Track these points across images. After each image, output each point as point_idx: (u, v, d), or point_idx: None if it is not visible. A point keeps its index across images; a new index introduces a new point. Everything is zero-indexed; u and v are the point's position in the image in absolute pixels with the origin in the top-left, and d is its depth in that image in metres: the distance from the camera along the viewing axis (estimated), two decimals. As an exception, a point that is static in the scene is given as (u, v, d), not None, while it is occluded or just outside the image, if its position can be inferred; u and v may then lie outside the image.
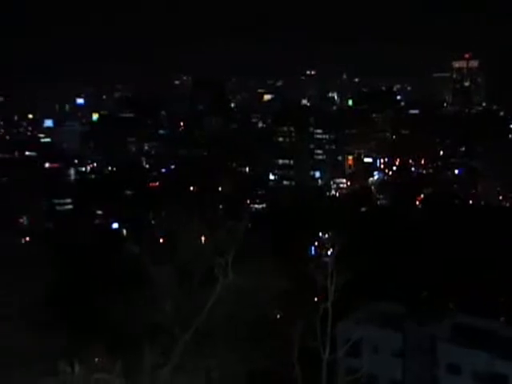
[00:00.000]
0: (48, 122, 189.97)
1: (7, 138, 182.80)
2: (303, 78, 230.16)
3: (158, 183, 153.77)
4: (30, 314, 30.62)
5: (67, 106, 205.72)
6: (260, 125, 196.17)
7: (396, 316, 40.99)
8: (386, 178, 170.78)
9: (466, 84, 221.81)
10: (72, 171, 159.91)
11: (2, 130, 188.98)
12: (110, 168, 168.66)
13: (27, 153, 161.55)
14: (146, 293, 26.07)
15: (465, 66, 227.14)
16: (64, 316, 32.95)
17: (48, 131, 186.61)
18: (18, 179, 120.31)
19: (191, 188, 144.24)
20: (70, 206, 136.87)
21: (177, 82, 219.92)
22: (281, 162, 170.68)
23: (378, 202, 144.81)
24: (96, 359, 24.98)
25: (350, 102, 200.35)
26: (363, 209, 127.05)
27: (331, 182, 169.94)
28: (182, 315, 23.77)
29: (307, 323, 25.20)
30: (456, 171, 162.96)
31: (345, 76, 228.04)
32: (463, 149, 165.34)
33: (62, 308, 35.11)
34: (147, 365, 22.78)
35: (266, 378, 24.03)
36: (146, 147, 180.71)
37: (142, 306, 25.07)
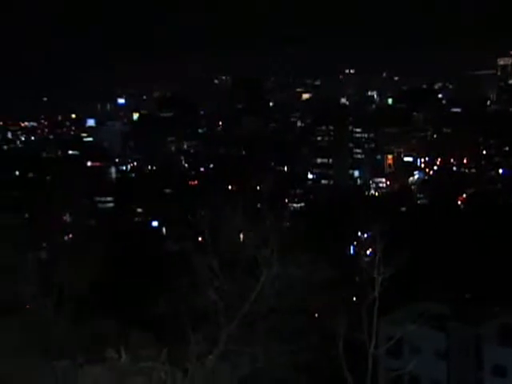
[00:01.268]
0: (90, 122, 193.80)
1: (51, 137, 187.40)
2: (342, 76, 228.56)
3: (196, 182, 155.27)
4: (78, 303, 31.39)
5: (109, 106, 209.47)
6: (299, 124, 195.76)
7: (439, 316, 40.30)
8: (426, 177, 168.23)
9: (511, 82, 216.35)
10: (113, 170, 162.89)
11: (47, 130, 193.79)
12: (149, 167, 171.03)
13: (70, 152, 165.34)
14: (189, 282, 26.34)
15: (510, 62, 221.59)
16: (111, 306, 33.70)
17: (90, 130, 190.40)
18: (62, 177, 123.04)
19: (230, 187, 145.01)
20: (112, 204, 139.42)
21: (216, 82, 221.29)
22: (319, 160, 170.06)
23: (419, 202, 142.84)
24: (142, 348, 25.38)
25: (390, 101, 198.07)
26: (403, 208, 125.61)
27: (370, 182, 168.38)
28: (226, 304, 23.92)
29: (353, 315, 25.01)
30: (500, 171, 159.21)
31: (384, 74, 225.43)
32: (507, 148, 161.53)
33: (109, 298, 35.87)
34: (192, 353, 23.00)
35: (311, 370, 23.95)
36: (185, 146, 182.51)
37: (187, 296, 25.33)
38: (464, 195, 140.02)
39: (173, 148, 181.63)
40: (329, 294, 25.99)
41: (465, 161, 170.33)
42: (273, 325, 23.43)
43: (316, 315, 26.43)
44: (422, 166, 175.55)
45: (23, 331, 26.49)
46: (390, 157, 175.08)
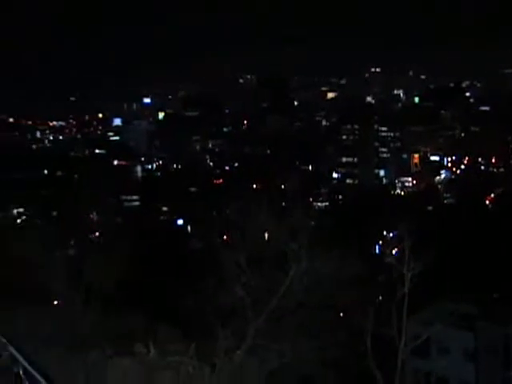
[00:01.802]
0: (117, 121, 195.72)
1: (79, 136, 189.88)
2: (368, 75, 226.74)
3: (221, 180, 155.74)
4: (106, 299, 31.83)
5: (135, 106, 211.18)
6: (323, 123, 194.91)
7: (467, 316, 39.78)
8: (453, 176, 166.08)
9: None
10: (139, 168, 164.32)
11: (74, 129, 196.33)
12: (175, 165, 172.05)
13: (97, 151, 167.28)
14: (217, 278, 26.47)
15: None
16: (138, 302, 34.04)
17: (117, 130, 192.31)
18: (89, 176, 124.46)
19: (254, 186, 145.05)
20: (137, 203, 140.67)
21: (241, 81, 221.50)
22: (344, 160, 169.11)
23: (445, 201, 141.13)
24: (170, 343, 25.60)
25: (417, 100, 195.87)
26: (429, 208, 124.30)
27: (396, 181, 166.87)
28: (254, 300, 23.98)
29: (381, 311, 24.89)
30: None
31: (411, 73, 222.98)
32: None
33: (137, 295, 36.24)
34: (220, 348, 23.11)
35: (338, 366, 23.86)
36: (210, 145, 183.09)
37: (214, 291, 25.46)
38: (492, 195, 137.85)
39: (198, 147, 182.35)
40: (357, 290, 25.90)
41: (493, 160, 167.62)
42: (301, 320, 23.42)
43: (344, 311, 26.36)
44: (449, 165, 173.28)
45: (53, 325, 26.92)
46: (416, 156, 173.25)
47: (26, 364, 7.50)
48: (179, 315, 28.03)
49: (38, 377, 7.16)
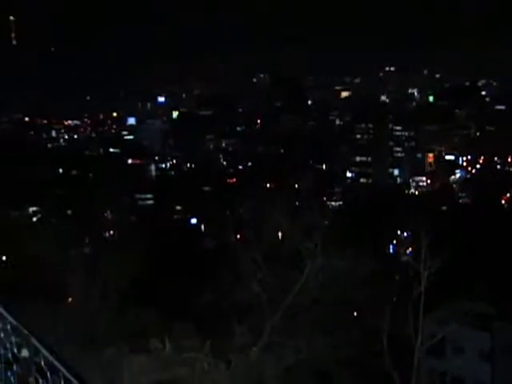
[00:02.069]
0: (131, 120, 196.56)
1: (93, 135, 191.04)
2: (382, 74, 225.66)
3: (235, 180, 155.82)
4: (122, 296, 31.99)
5: (149, 105, 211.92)
6: (337, 122, 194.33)
7: (483, 316, 39.41)
8: (468, 176, 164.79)
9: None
10: (153, 167, 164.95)
11: (89, 128, 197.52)
12: (188, 164, 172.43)
13: (111, 150, 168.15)
14: (232, 275, 26.48)
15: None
16: (154, 299, 34.18)
17: (131, 129, 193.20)
18: (103, 175, 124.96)
19: (268, 185, 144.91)
20: (151, 202, 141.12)
21: (254, 80, 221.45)
22: (358, 159, 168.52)
23: (460, 201, 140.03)
24: (186, 339, 25.63)
25: (431, 98, 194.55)
26: (444, 207, 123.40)
27: (410, 180, 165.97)
28: (270, 296, 23.94)
29: (397, 310, 24.72)
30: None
31: (426, 72, 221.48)
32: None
33: (152, 292, 36.38)
34: (236, 345, 23.08)
35: (354, 364, 23.74)
36: (224, 144, 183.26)
37: (230, 288, 25.47)
38: (508, 194, 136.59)
39: (211, 146, 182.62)
40: (372, 288, 25.78)
41: (509, 159, 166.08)
42: (316, 317, 23.34)
43: (360, 309, 26.25)
44: (464, 164, 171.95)
45: (69, 322, 27.06)
46: (430, 155, 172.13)
47: (48, 355, 7.49)
48: (194, 312, 28.08)
49: (61, 368, 7.15)
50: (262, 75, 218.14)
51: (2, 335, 9.28)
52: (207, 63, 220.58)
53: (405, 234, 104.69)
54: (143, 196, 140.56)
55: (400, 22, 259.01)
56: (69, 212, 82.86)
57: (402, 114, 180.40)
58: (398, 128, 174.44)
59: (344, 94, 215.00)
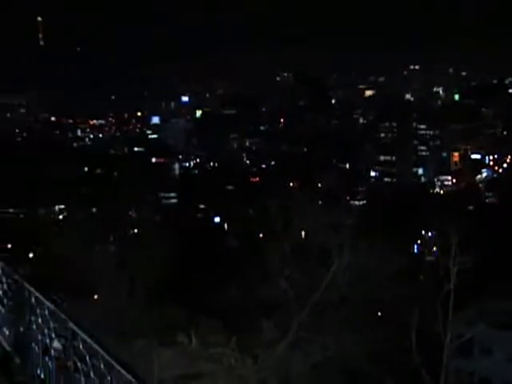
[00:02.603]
0: (155, 119, 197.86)
1: (118, 134, 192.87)
2: (406, 72, 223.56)
3: (258, 179, 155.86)
4: (149, 291, 32.26)
5: (173, 104, 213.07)
6: (361, 121, 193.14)
7: (511, 315, 38.77)
8: (495, 175, 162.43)
9: None
10: (177, 166, 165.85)
11: (114, 128, 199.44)
12: (212, 163, 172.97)
13: (136, 148, 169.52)
14: (259, 271, 26.49)
15: None
16: (181, 295, 34.40)
17: (155, 128, 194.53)
18: (128, 174, 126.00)
19: (291, 184, 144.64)
20: (175, 200, 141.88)
21: (278, 79, 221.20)
22: (382, 158, 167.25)
23: (487, 200, 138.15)
24: (212, 334, 25.71)
25: (457, 97, 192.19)
26: (470, 207, 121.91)
27: (435, 179, 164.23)
28: (297, 293, 23.89)
29: (426, 307, 24.46)
30: None
31: (451, 70, 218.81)
32: None
33: (179, 288, 36.61)
34: (263, 340, 23.05)
35: (382, 361, 23.55)
36: (247, 143, 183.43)
37: (257, 284, 25.48)
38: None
39: (235, 145, 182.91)
40: (400, 285, 25.55)
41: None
42: (344, 314, 23.22)
43: (388, 306, 26.04)
44: (491, 163, 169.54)
45: (99, 314, 27.35)
46: (456, 154, 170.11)
47: (86, 338, 7.57)
48: (221, 308, 28.16)
49: (101, 351, 7.22)
50: (285, 74, 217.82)
51: (40, 321, 9.43)
52: (231, 63, 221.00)
53: (429, 233, 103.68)
54: (167, 195, 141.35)
55: (425, 20, 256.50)
56: (94, 210, 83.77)
57: (427, 113, 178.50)
58: (423, 127, 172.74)
59: (368, 92, 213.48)
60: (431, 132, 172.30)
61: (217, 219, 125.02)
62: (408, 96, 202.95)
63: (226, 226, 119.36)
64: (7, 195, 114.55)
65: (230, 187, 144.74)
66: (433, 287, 27.64)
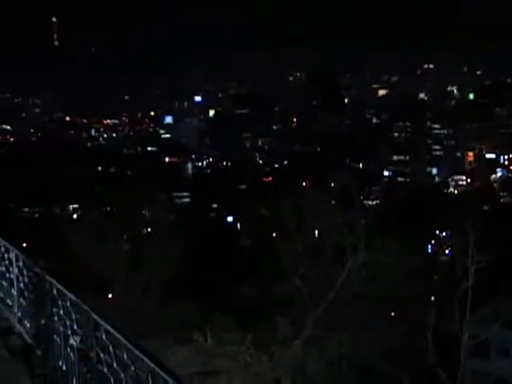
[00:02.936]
0: (168, 119, 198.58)
1: (131, 134, 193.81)
2: (420, 72, 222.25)
3: (271, 178, 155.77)
4: (164, 289, 32.37)
5: (186, 104, 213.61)
6: (374, 120, 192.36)
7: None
8: (510, 174, 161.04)
9: None
10: (189, 166, 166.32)
11: (127, 127, 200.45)
12: (224, 163, 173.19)
13: (149, 148, 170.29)
14: (274, 269, 26.47)
15: None
16: (195, 293, 34.49)
17: (168, 127, 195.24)
18: (141, 173, 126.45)
19: (304, 183, 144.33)
20: (188, 200, 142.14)
21: (290, 79, 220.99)
22: (396, 157, 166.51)
23: (502, 200, 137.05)
24: (227, 332, 25.73)
25: (471, 96, 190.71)
26: (485, 207, 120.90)
27: (449, 179, 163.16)
28: (312, 290, 23.84)
29: (443, 305, 24.28)
30: None
31: (465, 69, 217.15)
32: None
33: (195, 286, 36.70)
34: (279, 337, 23.03)
35: (398, 359, 23.43)
36: (260, 143, 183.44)
37: (271, 282, 25.47)
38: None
39: (247, 144, 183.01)
40: (416, 284, 25.42)
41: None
42: (359, 312, 23.15)
43: (404, 304, 25.90)
44: (506, 163, 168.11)
45: (114, 312, 27.45)
46: (470, 153, 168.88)
47: (109, 328, 7.61)
48: (236, 306, 28.17)
49: (123, 340, 7.25)
50: (298, 74, 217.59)
51: (62, 312, 9.49)
52: (243, 62, 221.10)
53: (443, 233, 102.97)
54: (180, 194, 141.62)
55: (440, 20, 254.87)
56: (107, 209, 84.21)
57: (441, 112, 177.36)
58: (437, 126, 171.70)
59: (381, 92, 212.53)
60: (445, 131, 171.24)
61: (229, 218, 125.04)
62: (422, 95, 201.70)
63: (238, 225, 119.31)
64: (22, 195, 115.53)
65: (242, 187, 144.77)
66: (449, 286, 27.43)
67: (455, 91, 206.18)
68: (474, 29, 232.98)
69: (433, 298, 27.17)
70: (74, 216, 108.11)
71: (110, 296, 37.42)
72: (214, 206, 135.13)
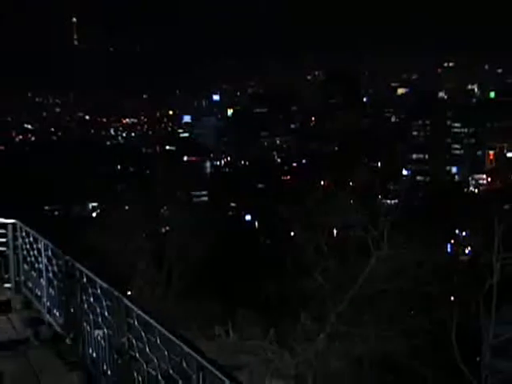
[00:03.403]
0: (186, 118, 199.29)
1: (150, 133, 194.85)
2: (440, 70, 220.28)
3: (289, 177, 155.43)
4: (187, 286, 32.44)
5: (204, 103, 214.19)
6: (393, 119, 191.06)
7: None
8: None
9: None
10: (208, 164, 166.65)
11: (146, 126, 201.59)
12: (243, 162, 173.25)
13: (167, 147, 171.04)
14: (295, 265, 26.35)
15: None
16: (219, 288, 34.54)
17: (186, 126, 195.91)
18: (159, 172, 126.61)
19: (322, 182, 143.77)
20: (206, 198, 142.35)
21: (309, 78, 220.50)
22: (415, 156, 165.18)
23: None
24: (249, 327, 25.67)
25: (492, 94, 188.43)
26: (506, 206, 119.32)
27: (470, 178, 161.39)
28: (335, 285, 23.70)
29: (467, 302, 23.98)
30: None
31: (486, 67, 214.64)
32: None
33: (217, 281, 36.74)
34: (301, 333, 22.92)
35: (423, 354, 23.19)
36: (278, 141, 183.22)
37: (293, 277, 25.37)
38: None
39: (266, 143, 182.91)
40: (439, 280, 25.13)
41: None
42: (382, 307, 22.96)
43: (428, 300, 25.63)
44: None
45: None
46: (491, 152, 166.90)
47: (141, 313, 7.59)
48: (258, 301, 28.12)
49: (157, 325, 7.22)
50: (316, 72, 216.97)
51: (92, 299, 9.50)
52: (262, 61, 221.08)
53: (463, 233, 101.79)
54: (198, 193, 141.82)
55: (460, 19, 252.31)
56: (126, 208, 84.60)
57: (462, 111, 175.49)
58: (457, 125, 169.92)
59: (400, 90, 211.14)
60: (466, 130, 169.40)
61: (248, 217, 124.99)
62: (442, 94, 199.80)
63: (256, 224, 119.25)
64: (42, 193, 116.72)
65: (260, 185, 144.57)
66: (473, 283, 27.08)
67: (476, 90, 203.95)
68: (495, 28, 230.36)
69: (456, 296, 26.85)
70: (94, 214, 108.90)
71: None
72: (233, 204, 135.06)
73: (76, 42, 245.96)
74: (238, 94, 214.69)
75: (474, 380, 22.95)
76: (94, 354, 9.44)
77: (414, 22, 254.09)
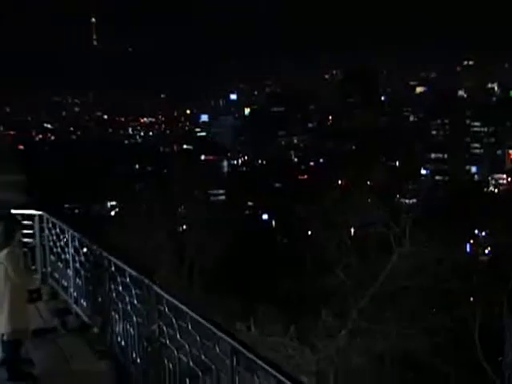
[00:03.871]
0: (204, 117, 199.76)
1: (167, 132, 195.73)
2: (459, 68, 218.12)
3: (306, 176, 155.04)
4: (208, 282, 32.52)
5: (221, 102, 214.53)
6: (411, 118, 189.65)
7: None
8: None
9: None
10: (225, 163, 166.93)
11: (163, 126, 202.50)
12: (260, 161, 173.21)
13: (185, 146, 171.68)
14: (316, 261, 26.31)
15: None
16: (239, 284, 34.67)
17: (203, 125, 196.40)
18: (177, 171, 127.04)
19: (340, 181, 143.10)
20: (223, 197, 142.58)
21: (326, 76, 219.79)
22: (433, 155, 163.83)
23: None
24: (270, 323, 25.67)
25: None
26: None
27: (489, 178, 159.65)
28: (357, 282, 23.60)
29: (490, 300, 23.72)
30: None
31: (506, 65, 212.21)
32: None
33: (237, 278, 36.87)
34: (322, 329, 22.85)
35: (445, 351, 22.99)
36: (295, 141, 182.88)
37: (315, 273, 25.32)
38: None
39: (283, 142, 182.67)
40: (461, 278, 24.92)
41: None
42: (404, 304, 22.82)
43: (449, 298, 25.41)
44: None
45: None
46: (511, 152, 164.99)
47: (172, 299, 7.61)
48: (279, 297, 28.12)
49: (188, 311, 7.24)
50: (334, 71, 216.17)
51: (121, 288, 9.56)
52: (279, 60, 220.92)
53: (483, 233, 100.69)
54: (216, 192, 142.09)
55: (480, 17, 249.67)
56: (144, 207, 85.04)
57: (481, 110, 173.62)
58: (477, 124, 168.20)
59: (419, 89, 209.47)
60: (485, 129, 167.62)
61: (265, 216, 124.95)
62: (461, 92, 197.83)
63: (273, 223, 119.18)
64: (61, 191, 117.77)
65: (277, 184, 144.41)
66: (496, 282, 26.80)
67: (496, 88, 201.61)
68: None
69: (478, 295, 26.59)
70: (112, 213, 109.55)
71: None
72: (250, 203, 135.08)
73: (95, 42, 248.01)
74: (256, 93, 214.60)
75: (497, 379, 22.66)
76: (123, 343, 9.49)
77: (433, 21, 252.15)
